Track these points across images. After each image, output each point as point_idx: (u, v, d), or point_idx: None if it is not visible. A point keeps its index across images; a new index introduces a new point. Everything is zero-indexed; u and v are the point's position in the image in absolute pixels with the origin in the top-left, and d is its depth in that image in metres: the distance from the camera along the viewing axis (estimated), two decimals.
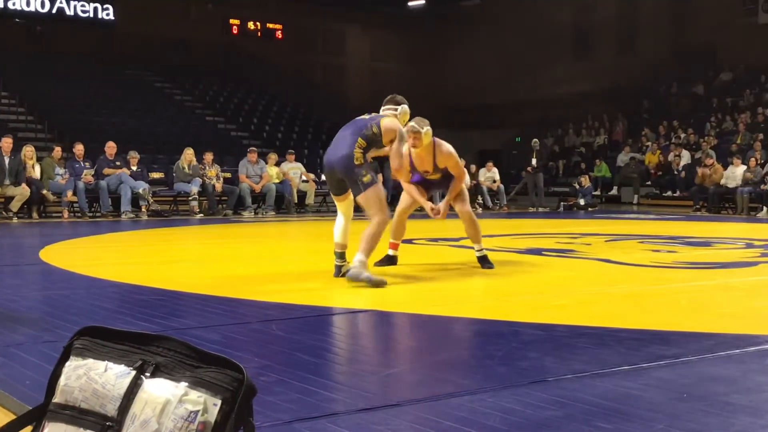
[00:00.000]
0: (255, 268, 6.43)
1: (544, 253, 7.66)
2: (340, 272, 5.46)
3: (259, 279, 5.68)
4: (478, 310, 4.44)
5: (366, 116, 5.50)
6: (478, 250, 6.22)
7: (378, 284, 4.99)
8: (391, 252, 6.26)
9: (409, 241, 7.84)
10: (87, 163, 14.03)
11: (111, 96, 21.42)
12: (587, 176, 19.42)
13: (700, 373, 2.92)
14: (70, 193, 13.42)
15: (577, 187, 18.76)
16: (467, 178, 17.34)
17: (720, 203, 16.66)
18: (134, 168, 14.30)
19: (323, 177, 17.70)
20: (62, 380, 1.57)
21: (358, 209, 5.77)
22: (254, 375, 2.33)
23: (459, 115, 28.34)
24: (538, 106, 27.01)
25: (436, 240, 8.43)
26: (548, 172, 21.30)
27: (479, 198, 18.00)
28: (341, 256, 5.54)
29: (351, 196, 5.50)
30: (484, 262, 6.18)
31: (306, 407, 2.46)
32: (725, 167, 16.58)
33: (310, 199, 16.29)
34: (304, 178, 16.38)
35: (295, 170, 16.27)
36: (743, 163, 16.96)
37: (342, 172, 5.25)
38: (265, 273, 6.09)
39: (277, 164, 16.18)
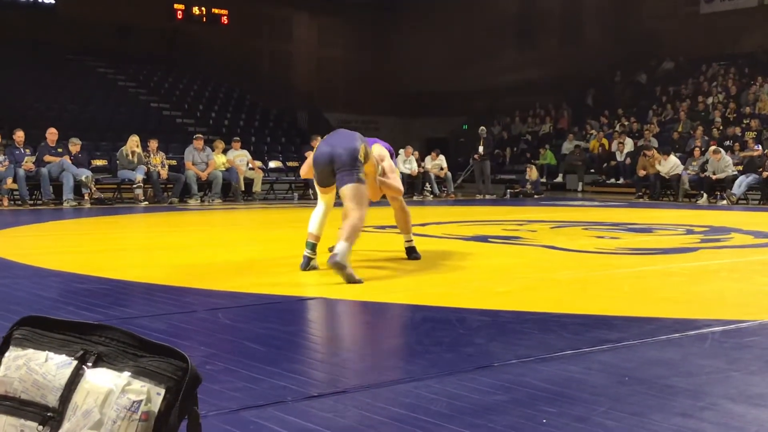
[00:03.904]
0: (202, 257, 6.37)
1: (490, 240, 7.73)
2: (308, 265, 5.26)
3: (206, 267, 5.63)
4: (425, 297, 4.46)
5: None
6: (407, 241, 6.22)
7: (354, 282, 4.77)
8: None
9: None
10: (27, 150, 13.73)
11: (52, 82, 20.93)
12: (533, 167, 19.52)
13: (642, 356, 2.98)
14: (10, 180, 13.13)
15: (527, 178, 18.89)
16: (414, 165, 17.50)
17: (661, 190, 16.99)
18: (76, 154, 14.03)
19: (271, 164, 17.85)
20: (1, 371, 1.54)
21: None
22: (200, 364, 2.32)
23: (406, 102, 28.37)
24: (485, 94, 27.21)
25: (383, 228, 8.44)
26: (495, 159, 21.50)
27: (427, 185, 18.07)
28: (313, 248, 5.31)
29: (335, 190, 5.43)
30: (411, 252, 6.17)
31: (253, 395, 2.45)
32: (667, 154, 16.88)
33: (257, 187, 16.19)
34: (250, 165, 16.27)
35: (241, 158, 16.16)
36: (684, 151, 17.33)
37: (344, 160, 5.09)
38: (212, 261, 6.03)
39: (224, 152, 16.03)
